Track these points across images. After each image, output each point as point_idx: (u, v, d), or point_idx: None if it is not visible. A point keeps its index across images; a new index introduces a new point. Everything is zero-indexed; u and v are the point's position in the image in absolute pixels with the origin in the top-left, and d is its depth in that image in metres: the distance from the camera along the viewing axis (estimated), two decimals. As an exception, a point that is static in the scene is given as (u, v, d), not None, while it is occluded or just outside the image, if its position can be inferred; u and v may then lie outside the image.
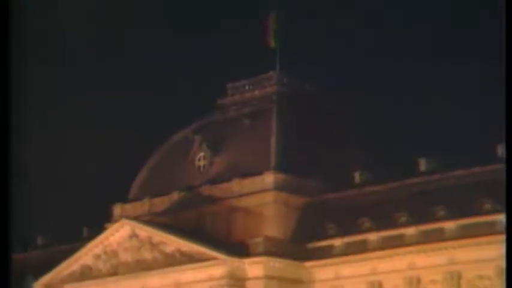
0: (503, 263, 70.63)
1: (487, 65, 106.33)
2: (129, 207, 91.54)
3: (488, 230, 72.02)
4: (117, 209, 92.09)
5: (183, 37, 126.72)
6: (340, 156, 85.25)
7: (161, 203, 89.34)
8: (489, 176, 74.29)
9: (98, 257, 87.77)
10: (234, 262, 79.56)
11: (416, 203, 77.06)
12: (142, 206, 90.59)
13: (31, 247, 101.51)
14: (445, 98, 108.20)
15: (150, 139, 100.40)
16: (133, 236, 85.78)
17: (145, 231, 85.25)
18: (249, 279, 79.60)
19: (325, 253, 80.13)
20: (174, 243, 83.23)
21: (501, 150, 77.09)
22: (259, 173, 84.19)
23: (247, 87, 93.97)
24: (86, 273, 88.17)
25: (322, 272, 79.75)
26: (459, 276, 73.11)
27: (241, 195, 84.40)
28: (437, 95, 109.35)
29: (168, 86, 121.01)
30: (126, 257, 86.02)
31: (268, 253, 79.58)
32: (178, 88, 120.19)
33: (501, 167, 75.16)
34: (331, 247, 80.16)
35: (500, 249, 71.10)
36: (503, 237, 70.82)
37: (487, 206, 73.03)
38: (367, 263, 77.48)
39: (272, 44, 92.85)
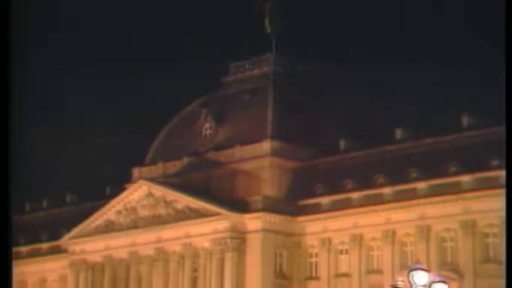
0: (467, 217, 71.96)
1: (459, 38, 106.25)
2: (145, 170, 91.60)
3: (454, 189, 72.95)
4: (135, 172, 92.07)
5: (191, 24, 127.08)
6: (327, 126, 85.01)
7: (173, 167, 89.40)
8: (454, 143, 75.35)
9: (119, 212, 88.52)
10: (236, 217, 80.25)
11: (392, 167, 77.56)
12: (157, 169, 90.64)
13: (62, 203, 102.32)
14: (417, 74, 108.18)
15: (163, 111, 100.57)
16: (150, 194, 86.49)
17: (160, 191, 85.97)
18: (249, 232, 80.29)
19: (314, 209, 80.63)
20: (184, 201, 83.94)
21: (465, 120, 77.96)
22: (257, 140, 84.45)
23: (247, 66, 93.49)
24: (109, 227, 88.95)
25: (311, 225, 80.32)
26: (429, 229, 73.65)
27: (242, 160, 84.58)
28: (411, 71, 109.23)
29: (179, 65, 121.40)
30: (143, 212, 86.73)
31: (266, 209, 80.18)
32: (188, 67, 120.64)
33: (464, 134, 76.33)
34: (319, 204, 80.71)
35: (464, 205, 72.16)
36: (467, 195, 72.02)
37: (453, 169, 73.69)
38: (350, 218, 78.08)
39: (268, 29, 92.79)
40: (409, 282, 37.31)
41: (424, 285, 37.97)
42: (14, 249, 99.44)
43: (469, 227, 71.54)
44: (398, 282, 39.10)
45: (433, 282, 37.79)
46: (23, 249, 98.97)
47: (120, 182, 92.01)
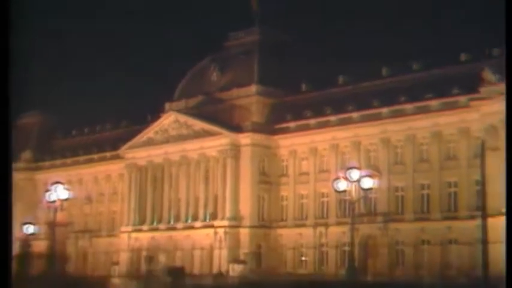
0: (384, 136, 72.87)
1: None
2: (174, 104, 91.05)
3: (376, 117, 73.68)
4: (167, 105, 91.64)
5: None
6: (294, 75, 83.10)
7: (192, 102, 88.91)
8: (376, 88, 75.70)
9: (156, 132, 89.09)
10: (234, 136, 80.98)
11: (336, 102, 77.75)
12: (182, 103, 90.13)
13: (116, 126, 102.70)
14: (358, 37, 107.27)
15: (184, 64, 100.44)
16: (177, 121, 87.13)
17: (183, 118, 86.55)
18: (242, 145, 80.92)
19: (285, 131, 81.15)
20: (199, 124, 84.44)
21: (384, 70, 77.69)
22: (247, 85, 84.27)
23: (241, 35, 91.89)
24: (150, 142, 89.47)
25: (283, 141, 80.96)
26: (360, 143, 74.68)
27: (237, 98, 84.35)
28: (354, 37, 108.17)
29: (196, 36, 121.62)
30: (172, 132, 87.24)
31: (253, 131, 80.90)
32: (201, 36, 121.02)
33: (383, 81, 76.67)
34: (288, 127, 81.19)
35: (382, 128, 72.96)
36: (386, 121, 72.62)
37: (375, 104, 74.11)
38: (308, 136, 78.70)
39: (255, 7, 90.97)
40: (347, 177, 38.76)
41: (357, 179, 39.42)
42: (88, 157, 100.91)
43: (385, 142, 72.87)
44: (340, 177, 40.36)
45: (363, 176, 39.34)
46: (95, 156, 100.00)
47: (156, 112, 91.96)
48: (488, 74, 63.11)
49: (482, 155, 52.09)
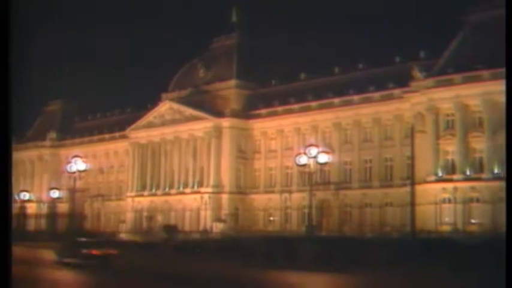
0: (337, 120, 73.04)
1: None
2: (169, 95, 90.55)
3: (328, 106, 73.63)
4: (163, 95, 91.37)
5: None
6: (265, 71, 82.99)
7: (183, 93, 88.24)
8: (329, 82, 75.92)
9: (155, 117, 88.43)
10: (217, 120, 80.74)
11: (298, 93, 77.70)
12: (175, 94, 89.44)
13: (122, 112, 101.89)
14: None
15: (178, 63, 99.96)
16: (171, 108, 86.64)
17: (176, 106, 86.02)
18: (223, 128, 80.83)
19: (258, 116, 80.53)
20: (189, 111, 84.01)
21: (336, 69, 77.68)
22: (228, 79, 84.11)
23: (223, 39, 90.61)
24: (149, 124, 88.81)
25: (256, 125, 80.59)
26: (317, 127, 74.68)
27: (220, 90, 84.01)
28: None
29: (187, 40, 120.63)
30: (168, 117, 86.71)
31: (232, 116, 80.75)
32: (191, 40, 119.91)
33: (336, 77, 76.51)
34: (260, 113, 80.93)
35: (335, 114, 73.10)
36: (338, 109, 72.77)
37: (330, 94, 74.31)
38: (276, 121, 78.54)
39: (234, 18, 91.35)
40: (307, 153, 39.15)
41: (315, 155, 39.77)
42: (101, 136, 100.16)
43: (337, 126, 73.21)
44: (301, 153, 40.73)
45: (319, 153, 39.68)
46: (106, 136, 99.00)
47: (155, 101, 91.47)
48: (416, 72, 64.18)
49: (412, 136, 53.11)
